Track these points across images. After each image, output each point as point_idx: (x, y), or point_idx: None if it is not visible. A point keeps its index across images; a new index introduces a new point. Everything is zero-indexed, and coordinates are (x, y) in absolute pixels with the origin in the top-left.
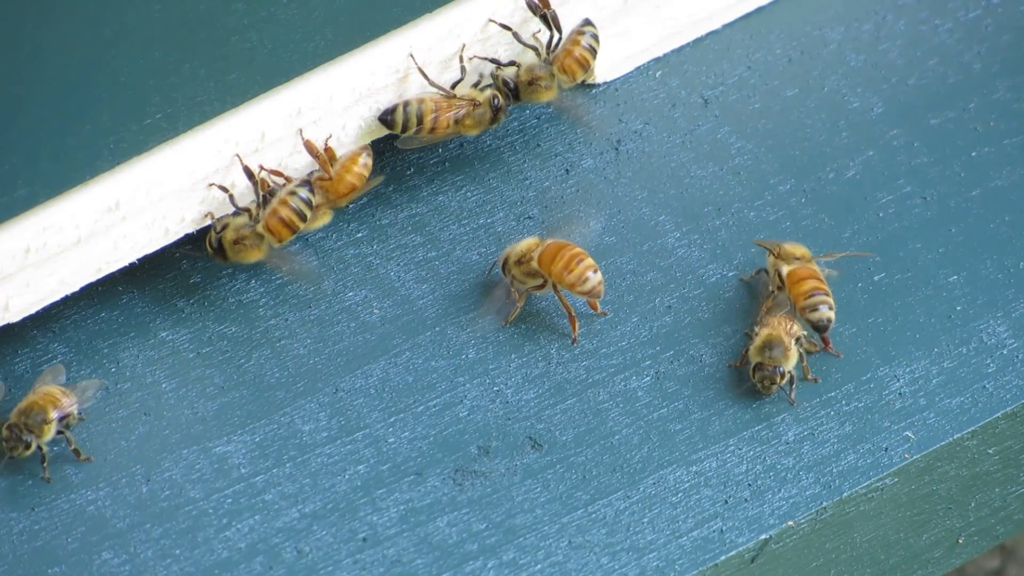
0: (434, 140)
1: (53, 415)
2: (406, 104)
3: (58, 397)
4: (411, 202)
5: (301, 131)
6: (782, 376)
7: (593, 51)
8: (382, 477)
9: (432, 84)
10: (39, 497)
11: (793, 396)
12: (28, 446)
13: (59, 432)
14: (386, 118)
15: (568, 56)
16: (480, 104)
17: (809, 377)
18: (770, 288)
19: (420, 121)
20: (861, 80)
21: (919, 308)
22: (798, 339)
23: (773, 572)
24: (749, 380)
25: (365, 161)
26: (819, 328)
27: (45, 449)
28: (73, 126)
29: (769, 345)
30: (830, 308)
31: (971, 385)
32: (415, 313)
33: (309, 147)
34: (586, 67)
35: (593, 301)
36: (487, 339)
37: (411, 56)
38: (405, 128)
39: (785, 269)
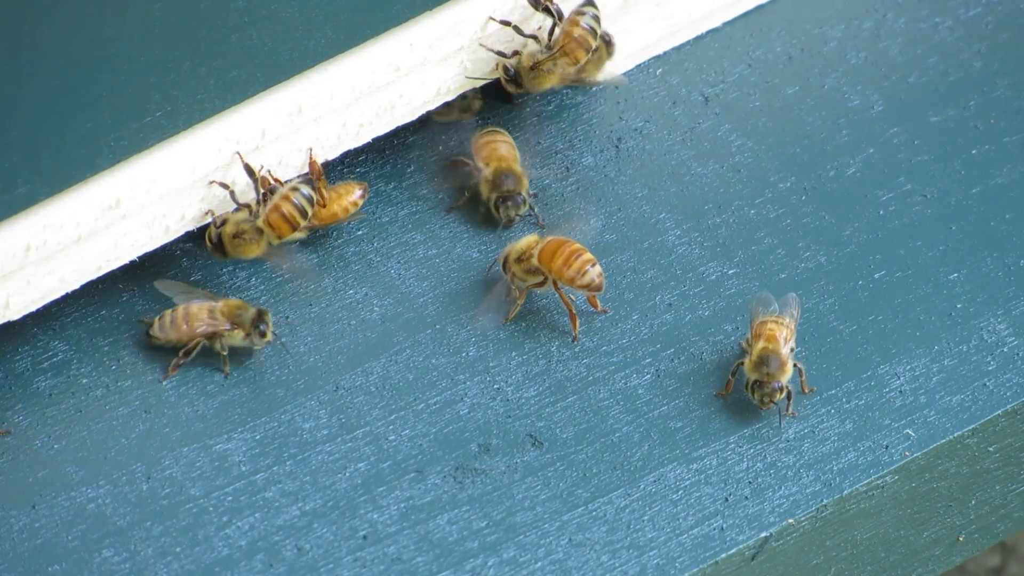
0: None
1: None
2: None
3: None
4: (411, 200)
5: (311, 150)
6: (780, 391)
7: (594, 32)
8: (382, 475)
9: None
10: (39, 494)
11: (791, 409)
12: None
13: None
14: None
15: (568, 37)
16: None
17: (806, 390)
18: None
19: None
20: (861, 78)
21: (919, 306)
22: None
23: (773, 570)
24: (746, 396)
25: (355, 199)
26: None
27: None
28: (73, 124)
29: (765, 360)
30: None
31: (971, 383)
32: (415, 311)
33: (312, 168)
34: (588, 48)
35: (593, 297)
36: (487, 337)
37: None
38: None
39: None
